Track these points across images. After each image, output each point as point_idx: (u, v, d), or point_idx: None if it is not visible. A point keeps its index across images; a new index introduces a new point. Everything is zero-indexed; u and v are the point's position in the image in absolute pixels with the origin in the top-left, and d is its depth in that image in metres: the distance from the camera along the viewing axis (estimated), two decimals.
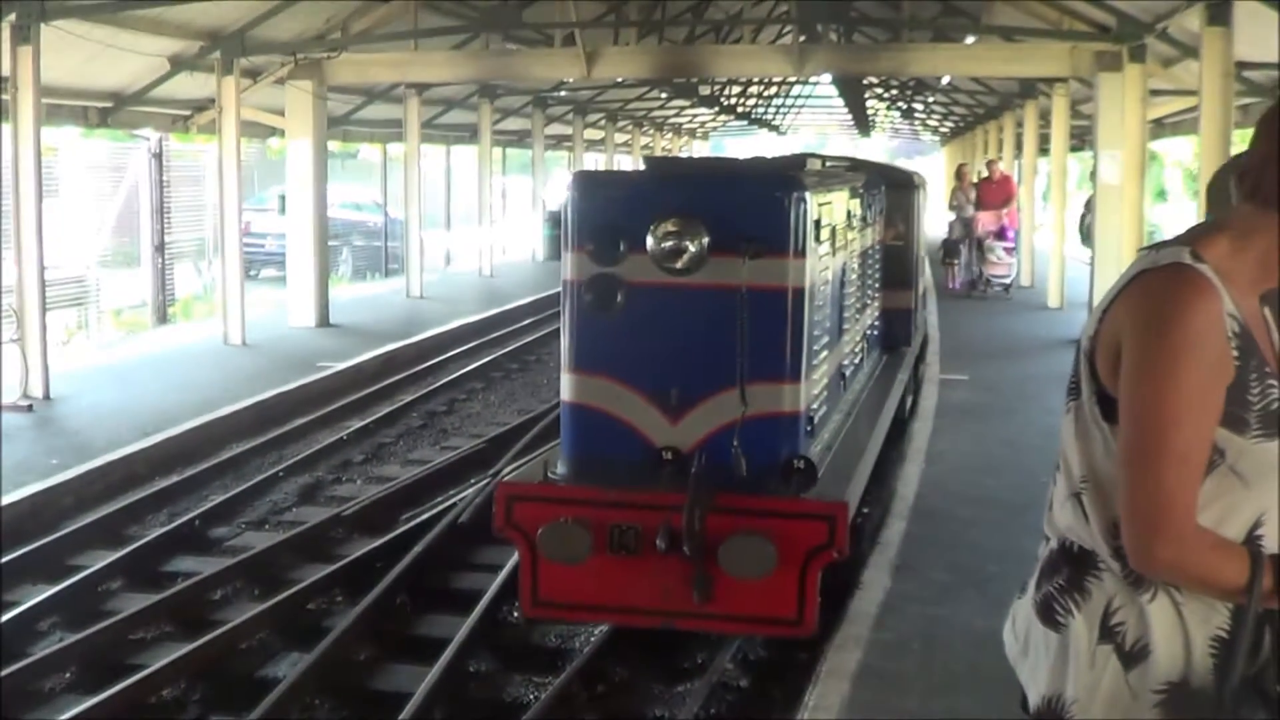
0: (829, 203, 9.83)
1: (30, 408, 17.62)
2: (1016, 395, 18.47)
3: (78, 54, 20.84)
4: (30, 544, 12.37)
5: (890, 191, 15.09)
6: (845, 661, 8.62)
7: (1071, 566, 3.52)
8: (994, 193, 31.93)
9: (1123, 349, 3.32)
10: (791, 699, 8.58)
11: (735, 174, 9.95)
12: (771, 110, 59.05)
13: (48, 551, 12.37)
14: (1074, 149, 34.39)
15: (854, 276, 11.73)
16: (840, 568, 10.32)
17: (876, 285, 14.10)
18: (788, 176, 9.09)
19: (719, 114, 53.83)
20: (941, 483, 13.47)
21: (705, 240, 8.54)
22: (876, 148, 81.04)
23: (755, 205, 8.77)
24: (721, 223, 8.60)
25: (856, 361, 12.12)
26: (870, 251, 13.36)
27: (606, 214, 8.92)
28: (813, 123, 70.43)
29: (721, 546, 8.18)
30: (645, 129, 56.92)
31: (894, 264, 15.09)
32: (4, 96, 18.91)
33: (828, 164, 11.65)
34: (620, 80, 35.01)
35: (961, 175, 34.01)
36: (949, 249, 32.67)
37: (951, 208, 32.50)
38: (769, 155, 13.54)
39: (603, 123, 50.10)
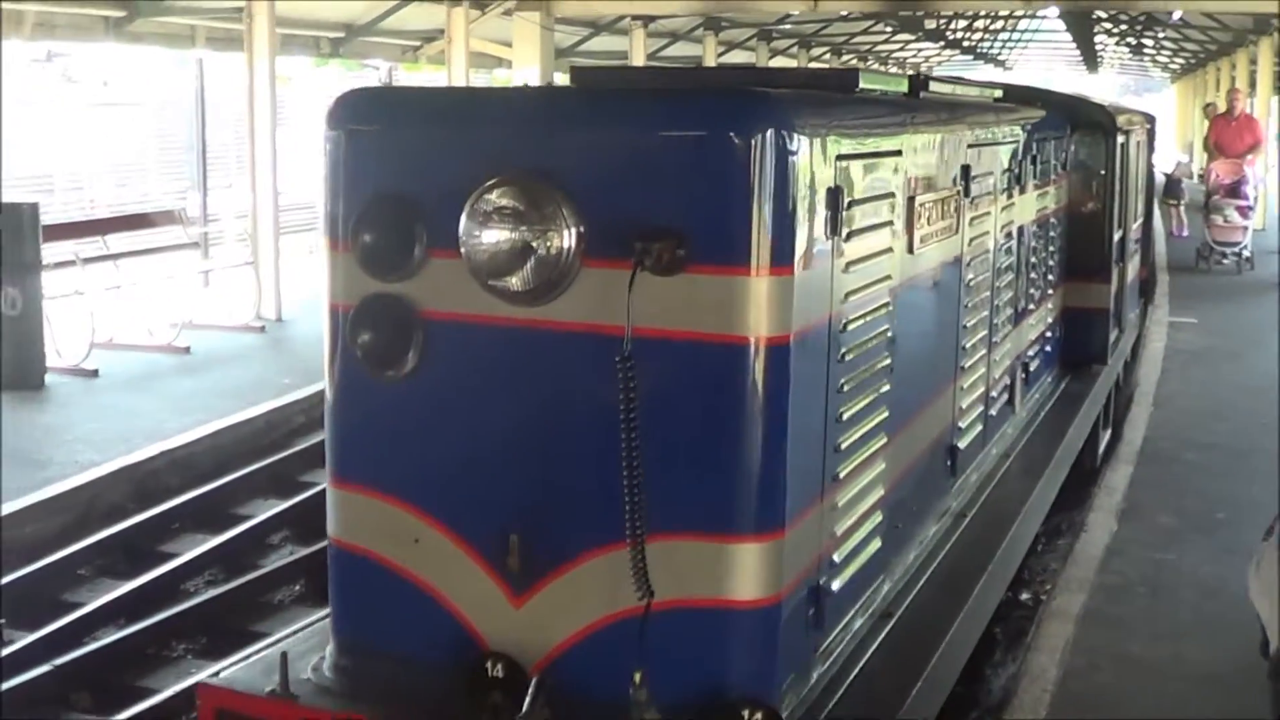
0: (893, 155, 5.79)
1: (263, 329, 18.15)
2: (1246, 339, 17.98)
3: None
4: (263, 460, 12.76)
5: (1081, 138, 11.00)
6: (1070, 603, 8.51)
7: None
8: (1234, 135, 25.93)
9: None
10: (1014, 639, 8.50)
11: (657, 97, 5.22)
12: (997, 45, 58.04)
13: (279, 468, 12.73)
14: None
15: (984, 279, 7.77)
16: (1064, 508, 10.18)
17: (1051, 278, 10.22)
18: (758, 101, 4.82)
19: (944, 49, 53.12)
20: (1169, 427, 13.20)
21: (573, 231, 4.65)
22: (1106, 84, 79.23)
23: (677, 160, 4.63)
24: (610, 196, 4.67)
25: (993, 412, 8.27)
26: (1038, 230, 9.45)
27: (389, 174, 5.05)
28: (1039, 58, 69.06)
29: None
30: (870, 63, 56.33)
31: (1084, 243, 11.01)
32: (240, 26, 19.39)
33: (930, 88, 6.87)
34: (846, 14, 34.67)
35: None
36: (1170, 189, 29.52)
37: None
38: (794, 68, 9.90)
39: (827, 57, 49.67)
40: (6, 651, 9.09)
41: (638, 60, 30.84)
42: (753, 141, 4.50)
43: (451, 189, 4.78)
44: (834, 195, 4.96)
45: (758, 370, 4.58)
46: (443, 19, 24.15)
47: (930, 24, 42.44)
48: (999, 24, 48.46)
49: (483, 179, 4.71)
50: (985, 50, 57.88)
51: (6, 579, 10.10)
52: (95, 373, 15.85)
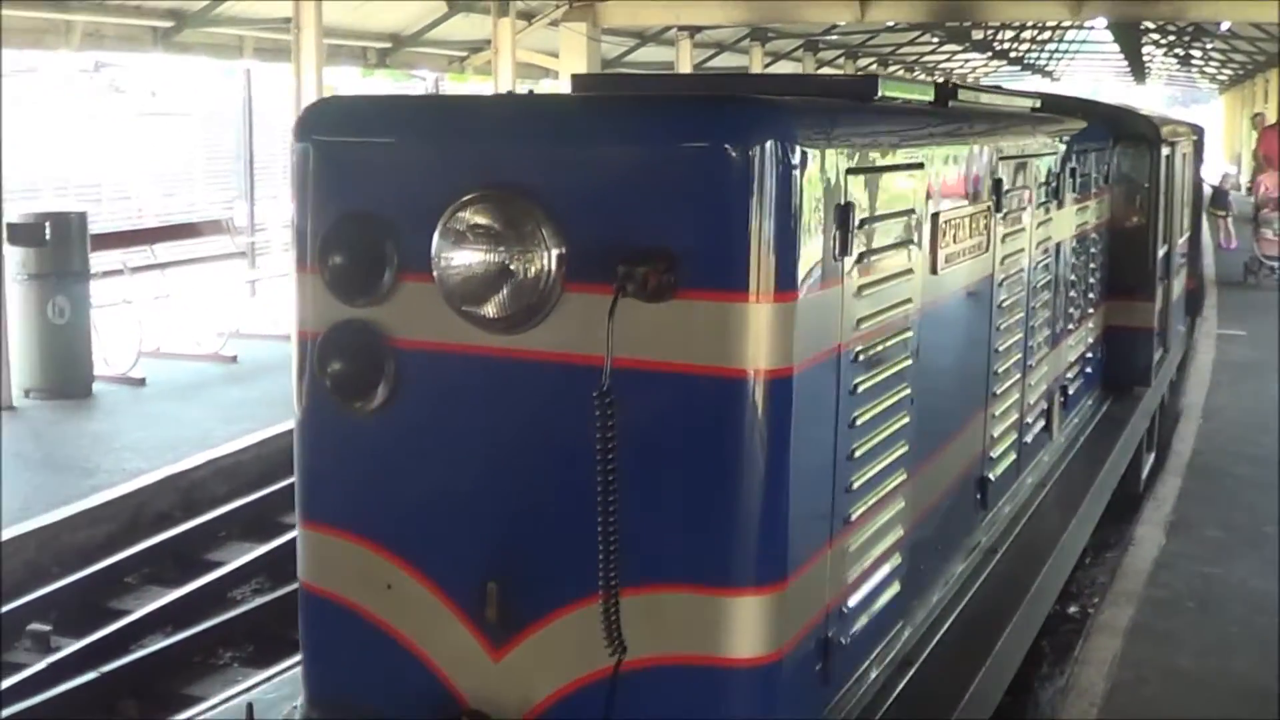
0: (914, 169, 5.39)
1: None
2: None
3: None
4: None
5: (1124, 150, 10.53)
6: (1118, 617, 8.46)
7: None
8: None
9: None
10: (1061, 652, 8.46)
11: (646, 106, 4.81)
12: (1044, 56, 57.91)
13: None
14: None
15: (1019, 299, 7.35)
16: (1112, 522, 10.11)
17: (1092, 296, 9.81)
18: (757, 109, 4.43)
19: (991, 59, 53.02)
20: (1217, 439, 13.12)
21: (553, 253, 4.28)
22: (1153, 96, 78.91)
23: (668, 174, 4.24)
24: (595, 215, 4.31)
25: (1028, 440, 7.87)
26: (1077, 246, 9.05)
27: (358, 190, 4.68)
28: (1086, 69, 68.89)
29: None
30: (916, 73, 56.25)
31: (1126, 259, 10.55)
32: (287, 37, 19.47)
33: (959, 96, 6.43)
34: (893, 24, 34.64)
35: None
36: (1218, 199, 29.17)
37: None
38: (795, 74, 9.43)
39: (874, 67, 49.62)
40: (54, 658, 9.14)
41: (684, 70, 30.82)
42: (751, 154, 4.11)
43: (424, 206, 4.41)
44: (843, 212, 4.54)
45: (756, 406, 4.19)
46: (489, 30, 24.19)
47: (977, 34, 42.33)
48: (1046, 35, 48.37)
49: (457, 195, 4.34)
50: (1032, 61, 57.77)
51: (55, 586, 10.18)
52: (142, 381, 15.96)
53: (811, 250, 4.34)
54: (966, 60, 55.45)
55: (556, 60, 26.27)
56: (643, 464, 4.20)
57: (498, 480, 4.50)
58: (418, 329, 4.53)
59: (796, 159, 4.21)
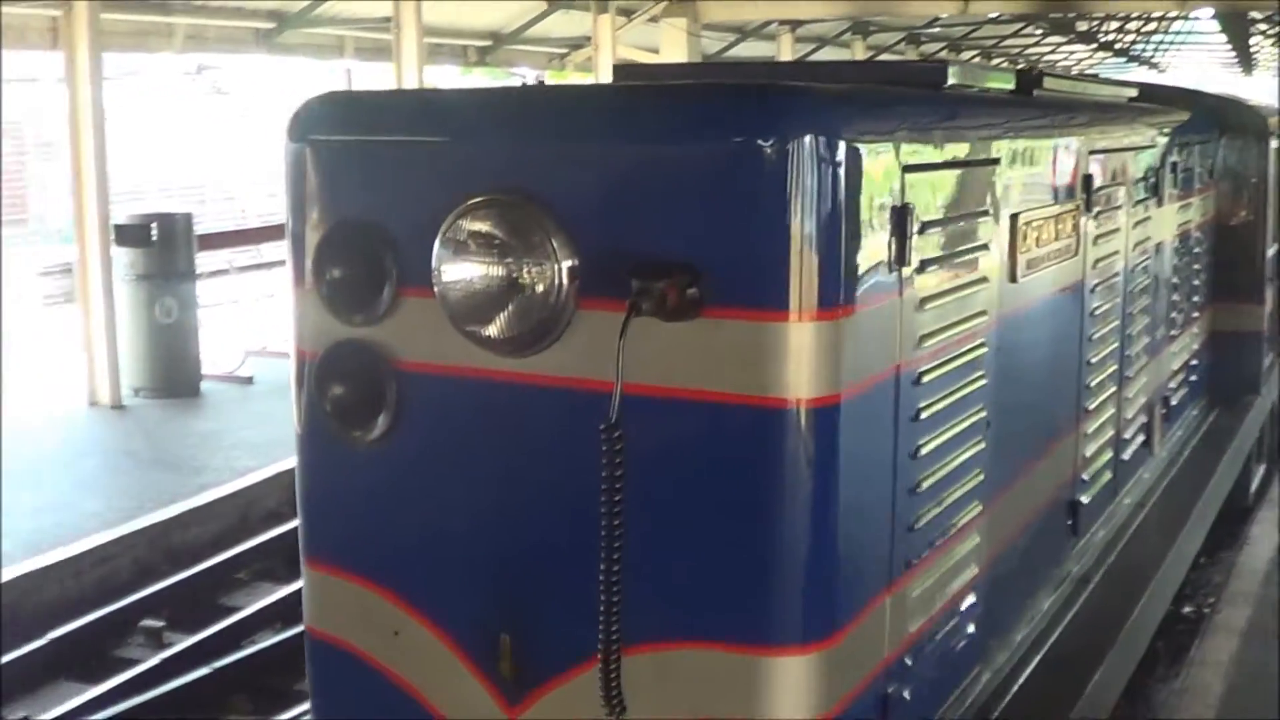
0: (989, 165, 4.83)
1: None
2: None
3: None
4: None
5: (1230, 142, 9.86)
6: (1234, 617, 8.31)
7: None
8: None
9: None
10: (1176, 654, 8.33)
11: (669, 98, 4.10)
12: (1150, 47, 57.27)
13: None
14: None
15: (1113, 305, 6.77)
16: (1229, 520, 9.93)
17: (1196, 299, 9.17)
18: (794, 100, 3.92)
19: (1096, 51, 52.48)
20: None
21: (564, 266, 3.81)
22: (1262, 88, 77.74)
23: (694, 175, 3.74)
24: (611, 222, 3.83)
25: (1125, 457, 7.23)
26: (1179, 246, 8.41)
27: (356, 195, 4.26)
28: (1192, 61, 68.06)
29: None
30: (1018, 67, 55.81)
31: (1234, 260, 9.87)
32: (388, 36, 19.60)
33: (1045, 85, 5.86)
34: (996, 16, 34.35)
35: None
36: None
37: None
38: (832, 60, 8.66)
39: (977, 60, 49.26)
40: (167, 654, 9.24)
41: None
42: (788, 150, 3.59)
43: (425, 212, 3.93)
44: (900, 215, 4.01)
45: (798, 440, 3.67)
46: (589, 26, 24.25)
47: (1082, 26, 41.91)
48: (1152, 26, 47.83)
49: (459, 200, 3.86)
50: (1138, 53, 57.15)
51: (167, 582, 10.31)
52: (250, 380, 16.11)
53: (862, 260, 3.84)
54: (1071, 52, 54.94)
55: (657, 56, 26.26)
56: (665, 506, 3.76)
57: (510, 520, 4.03)
58: (420, 350, 4.09)
59: (842, 155, 3.71)
